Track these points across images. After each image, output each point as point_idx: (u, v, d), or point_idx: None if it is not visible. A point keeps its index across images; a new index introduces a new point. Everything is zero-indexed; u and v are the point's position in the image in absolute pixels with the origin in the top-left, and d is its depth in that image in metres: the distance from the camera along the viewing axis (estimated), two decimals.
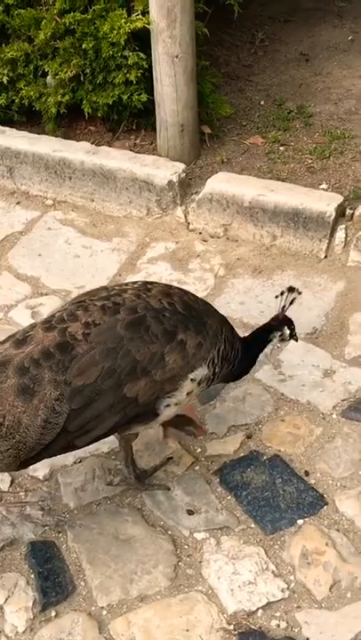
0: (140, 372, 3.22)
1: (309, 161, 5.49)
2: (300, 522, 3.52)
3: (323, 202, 4.88)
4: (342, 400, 4.06)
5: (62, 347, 3.18)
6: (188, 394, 3.37)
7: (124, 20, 5.06)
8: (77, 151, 5.31)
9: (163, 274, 4.82)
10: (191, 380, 3.35)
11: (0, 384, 3.13)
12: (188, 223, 5.17)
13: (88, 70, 5.29)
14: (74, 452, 3.75)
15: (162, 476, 3.73)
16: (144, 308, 3.29)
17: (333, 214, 4.79)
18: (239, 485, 3.67)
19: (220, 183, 5.08)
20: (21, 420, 3.10)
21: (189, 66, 5.16)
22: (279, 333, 3.75)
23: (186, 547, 3.46)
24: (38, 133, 5.57)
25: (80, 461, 3.77)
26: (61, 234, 5.15)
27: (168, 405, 3.34)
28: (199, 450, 3.84)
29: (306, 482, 3.68)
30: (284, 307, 3.72)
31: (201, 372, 3.37)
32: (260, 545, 3.45)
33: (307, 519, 3.53)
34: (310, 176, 5.38)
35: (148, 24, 5.03)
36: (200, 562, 3.41)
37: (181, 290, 3.54)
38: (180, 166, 5.20)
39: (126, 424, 3.32)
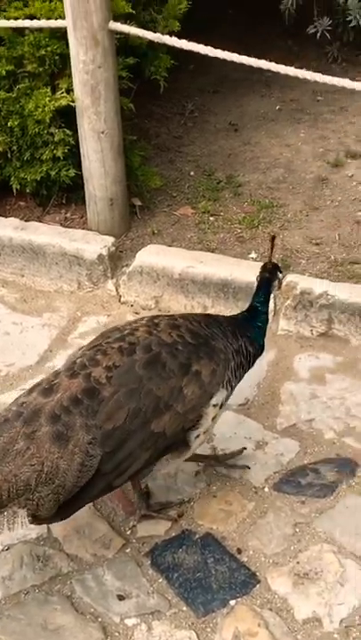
0: (164, 407, 3.38)
1: (239, 230, 5.55)
2: (232, 602, 3.46)
3: (251, 272, 4.88)
4: (274, 472, 4.04)
5: (89, 392, 3.33)
6: (213, 419, 3.56)
7: (48, 98, 5.11)
8: (6, 227, 5.31)
9: None
10: (213, 405, 3.52)
11: (34, 432, 3.27)
12: (120, 296, 5.18)
13: (15, 147, 5.32)
14: (0, 540, 3.69)
15: (92, 560, 3.65)
16: (158, 345, 3.46)
17: None
18: (171, 567, 3.60)
19: (150, 256, 5.11)
20: (59, 465, 3.24)
21: (116, 141, 5.21)
22: (276, 281, 3.92)
23: (117, 634, 3.37)
24: None
25: (8, 549, 3.67)
26: None
27: (198, 436, 3.53)
28: (130, 531, 3.78)
29: (238, 560, 3.63)
30: (270, 256, 3.88)
31: (220, 395, 3.55)
32: (192, 628, 3.37)
33: (239, 599, 3.47)
34: (240, 245, 5.43)
35: (73, 102, 5.09)
36: None
37: (184, 317, 3.72)
38: (110, 240, 5.22)
39: (159, 456, 3.48)
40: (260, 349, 3.85)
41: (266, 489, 3.95)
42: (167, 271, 5.02)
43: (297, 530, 3.75)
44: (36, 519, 3.33)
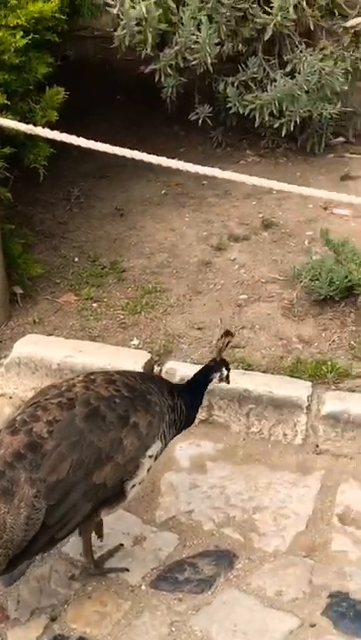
0: (105, 458, 3.49)
1: (122, 316, 5.52)
2: None
3: (131, 360, 4.90)
4: (152, 569, 3.94)
5: (31, 446, 3.41)
6: (148, 470, 3.70)
7: None
8: None
9: None
10: (149, 456, 3.66)
11: None
12: None
13: None
14: None
15: None
16: (96, 399, 3.56)
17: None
18: None
19: (28, 346, 5.04)
20: (6, 520, 3.32)
21: None
22: (218, 374, 4.06)
23: None
24: None
25: None
26: None
27: (133, 486, 3.64)
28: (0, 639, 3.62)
29: None
30: (220, 349, 4.02)
31: (155, 447, 3.70)
32: None
33: None
34: (122, 332, 5.40)
35: None
36: None
37: (120, 373, 3.86)
38: None
39: (98, 509, 3.57)
40: (191, 419, 3.99)
41: (143, 587, 3.86)
42: (46, 361, 4.95)
43: (173, 629, 3.65)
44: None
